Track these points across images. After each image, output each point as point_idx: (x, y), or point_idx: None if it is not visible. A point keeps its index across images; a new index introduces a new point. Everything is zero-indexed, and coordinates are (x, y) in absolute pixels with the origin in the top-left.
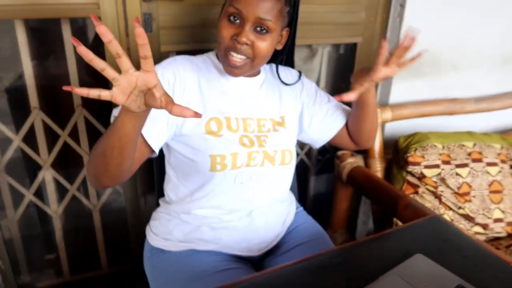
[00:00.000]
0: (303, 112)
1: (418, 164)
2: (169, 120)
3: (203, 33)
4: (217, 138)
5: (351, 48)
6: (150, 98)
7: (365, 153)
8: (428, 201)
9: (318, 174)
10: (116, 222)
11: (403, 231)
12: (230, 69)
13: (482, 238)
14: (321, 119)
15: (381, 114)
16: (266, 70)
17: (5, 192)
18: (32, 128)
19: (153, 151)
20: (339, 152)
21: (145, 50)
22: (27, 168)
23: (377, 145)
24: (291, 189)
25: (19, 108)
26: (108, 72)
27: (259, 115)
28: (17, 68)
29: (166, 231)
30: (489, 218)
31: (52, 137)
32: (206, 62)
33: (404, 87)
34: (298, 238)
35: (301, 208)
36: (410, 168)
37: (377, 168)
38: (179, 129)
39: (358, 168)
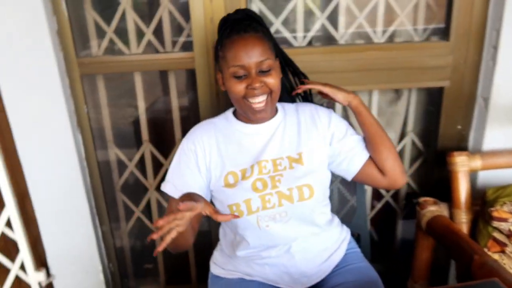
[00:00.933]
0: (332, 144)
1: (504, 220)
2: (202, 177)
3: None
4: (232, 189)
5: (438, 91)
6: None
7: (450, 203)
8: None
9: (406, 219)
10: (203, 243)
11: None
12: (257, 117)
13: None
14: (347, 151)
15: (469, 161)
16: (285, 109)
17: (120, 207)
18: (142, 157)
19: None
20: (422, 199)
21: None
22: (137, 189)
23: (463, 195)
24: (353, 228)
25: (134, 140)
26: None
27: (274, 156)
28: (134, 109)
29: (223, 261)
30: None
31: (156, 164)
32: (223, 120)
33: (503, 133)
34: (347, 277)
35: (358, 249)
36: (496, 224)
37: (462, 220)
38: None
39: (439, 218)
